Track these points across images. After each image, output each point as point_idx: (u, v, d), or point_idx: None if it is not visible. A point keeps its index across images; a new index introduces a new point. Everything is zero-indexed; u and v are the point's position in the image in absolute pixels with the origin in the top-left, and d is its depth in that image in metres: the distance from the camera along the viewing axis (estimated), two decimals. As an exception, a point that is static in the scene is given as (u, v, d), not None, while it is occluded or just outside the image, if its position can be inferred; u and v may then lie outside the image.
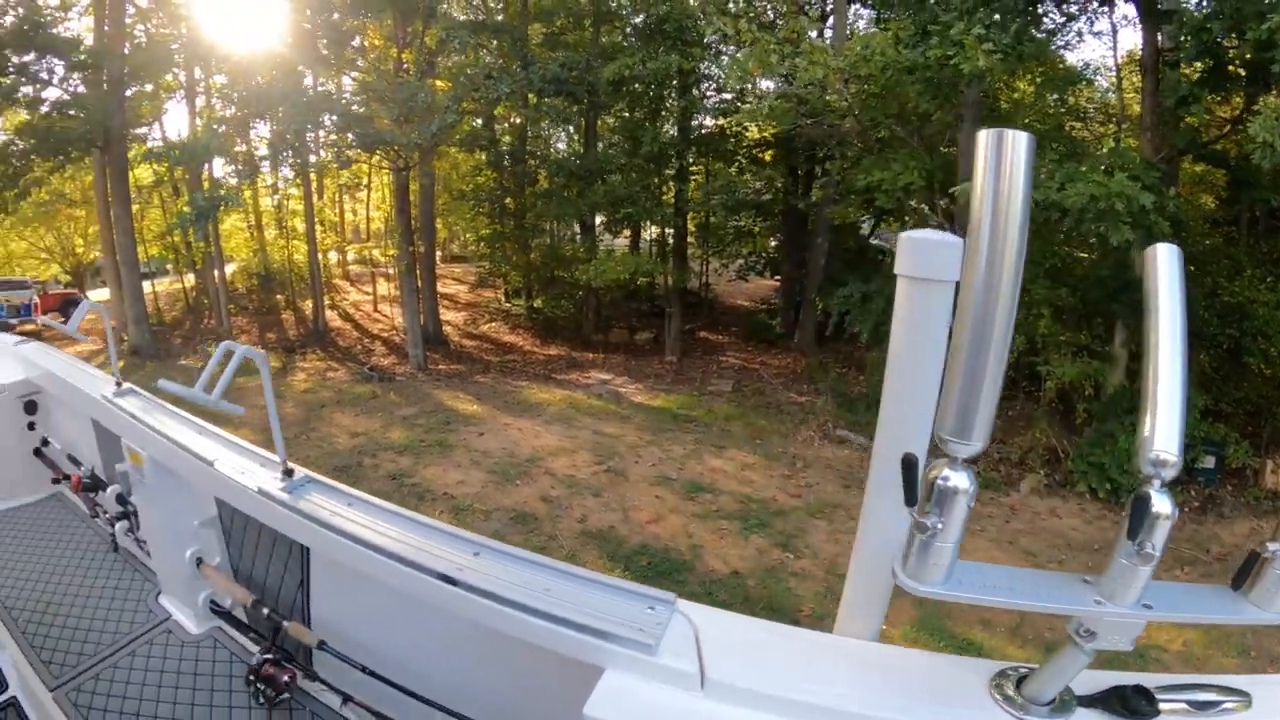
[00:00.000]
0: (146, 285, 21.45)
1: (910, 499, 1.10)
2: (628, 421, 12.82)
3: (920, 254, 1.36)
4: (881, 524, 1.46)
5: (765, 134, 18.97)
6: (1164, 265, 1.09)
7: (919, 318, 1.38)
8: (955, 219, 12.39)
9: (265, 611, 2.53)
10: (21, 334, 4.57)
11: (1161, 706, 1.27)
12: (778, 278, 22.20)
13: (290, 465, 2.29)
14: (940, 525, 1.09)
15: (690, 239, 20.87)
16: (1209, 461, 10.20)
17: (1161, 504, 1.04)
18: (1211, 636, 6.93)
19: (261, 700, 2.46)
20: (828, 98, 12.27)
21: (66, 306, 21.64)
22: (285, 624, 2.44)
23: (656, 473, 10.28)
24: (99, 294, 24.21)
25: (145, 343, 18.89)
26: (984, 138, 0.98)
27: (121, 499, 3.34)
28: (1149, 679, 1.34)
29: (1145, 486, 1.05)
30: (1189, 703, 1.29)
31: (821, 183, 16.20)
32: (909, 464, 1.10)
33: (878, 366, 13.27)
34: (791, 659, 1.48)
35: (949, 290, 1.00)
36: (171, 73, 21.89)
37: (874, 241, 20.41)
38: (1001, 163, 0.97)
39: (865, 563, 1.56)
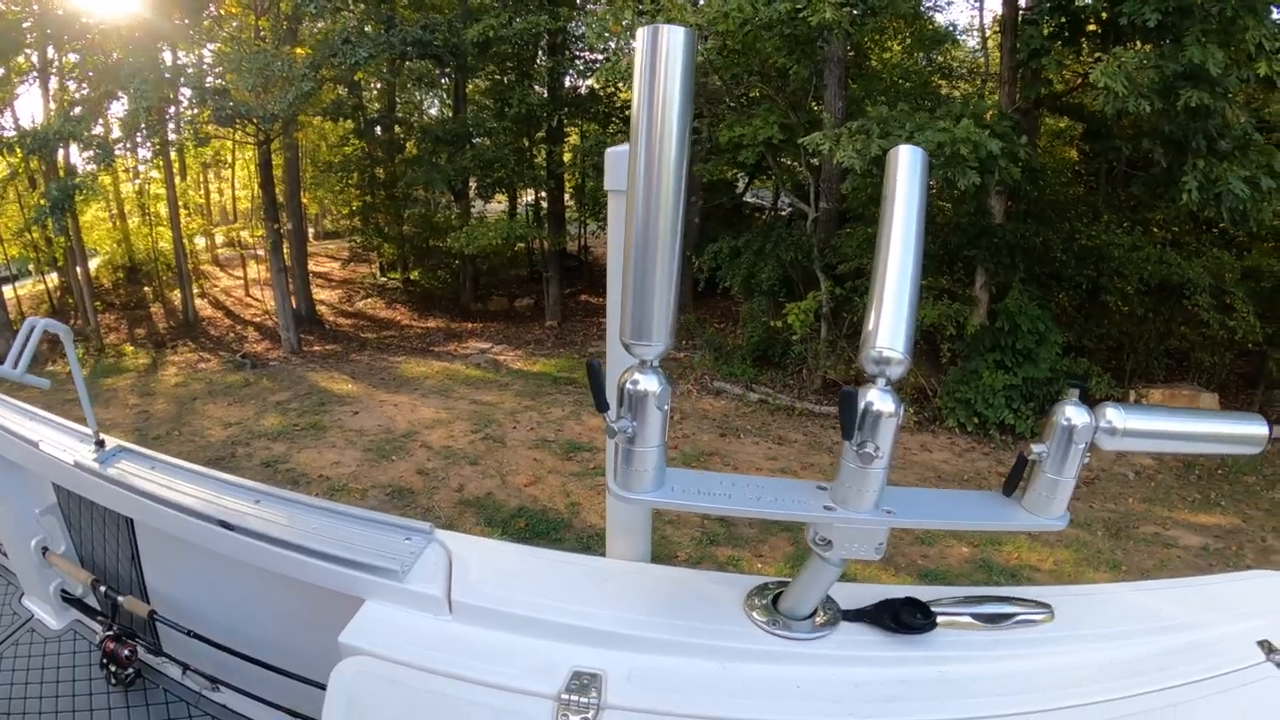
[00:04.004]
0: (8, 289, 19.97)
1: (600, 405, 1.09)
2: (506, 388, 12.84)
3: (611, 167, 1.39)
4: None
5: (641, 93, 18.90)
6: (904, 165, 1.06)
7: (615, 229, 1.40)
8: (821, 172, 12.71)
9: (103, 590, 2.51)
10: None
11: (943, 620, 1.26)
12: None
13: (101, 436, 2.25)
14: (632, 429, 1.07)
15: (569, 202, 20.76)
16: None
17: (883, 402, 1.01)
18: (1083, 555, 7.36)
19: (115, 682, 2.46)
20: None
21: None
22: (120, 599, 2.42)
23: (535, 436, 10.37)
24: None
25: (6, 350, 17.64)
26: (642, 34, 0.93)
27: None
28: (953, 592, 1.33)
29: (868, 385, 1.03)
30: (976, 616, 1.28)
31: (690, 140, 16.28)
32: (593, 370, 1.10)
33: (750, 319, 13.59)
34: (552, 582, 1.49)
35: None
36: (24, 54, 20.21)
37: (749, 199, 20.75)
38: (657, 59, 0.92)
39: None
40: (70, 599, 2.88)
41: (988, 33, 16.61)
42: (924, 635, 1.25)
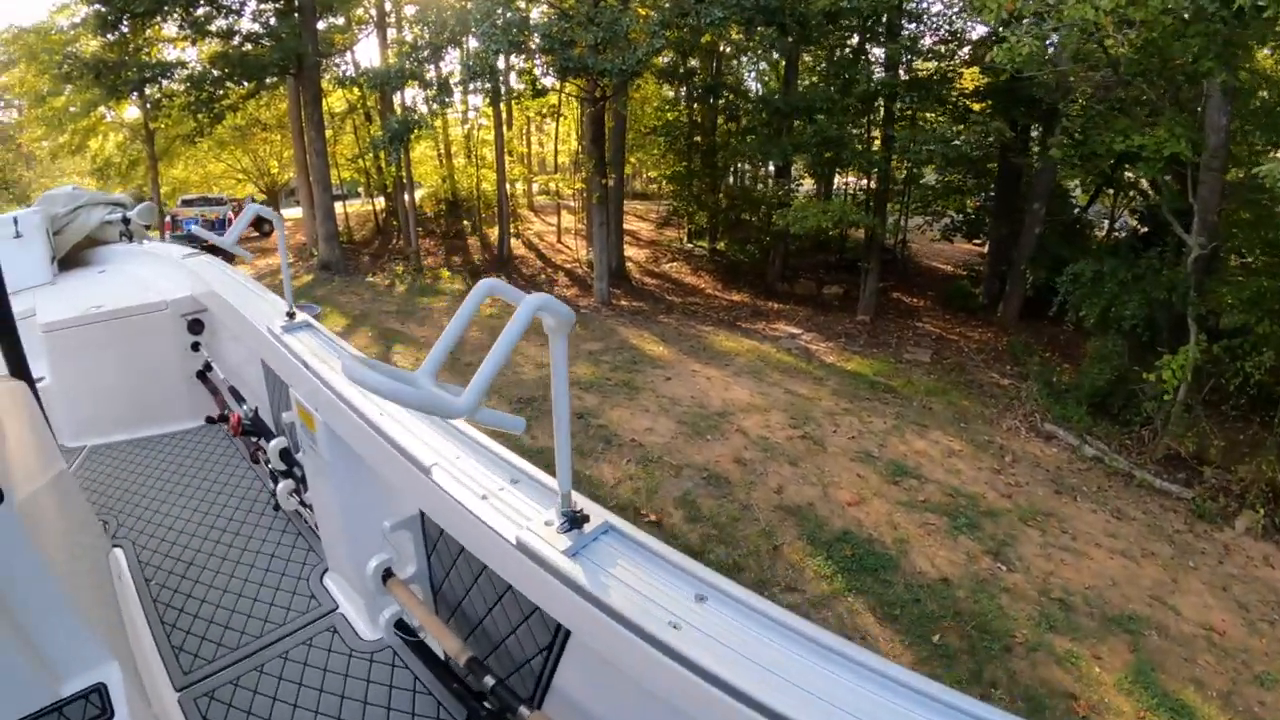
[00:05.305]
0: (338, 207, 22.35)
1: None
2: (821, 384, 12.09)
3: None
4: None
5: (979, 84, 17.40)
6: None
7: None
8: (1197, 197, 10.63)
9: (489, 682, 1.71)
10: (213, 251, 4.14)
11: None
12: (977, 241, 20.61)
13: (579, 505, 1.47)
14: None
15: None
16: None
17: None
18: None
19: None
20: (1090, 44, 10.76)
21: (260, 223, 23.03)
22: (525, 712, 1.62)
23: (856, 447, 9.58)
24: (292, 213, 25.56)
25: (335, 259, 19.93)
26: None
27: (287, 455, 2.76)
28: None
29: None
30: None
31: (1056, 141, 14.50)
32: None
33: (1099, 359, 11.86)
34: None
35: None
36: (362, 6, 22.57)
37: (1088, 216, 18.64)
38: None
39: None
40: (410, 639, 2.16)
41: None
42: None
